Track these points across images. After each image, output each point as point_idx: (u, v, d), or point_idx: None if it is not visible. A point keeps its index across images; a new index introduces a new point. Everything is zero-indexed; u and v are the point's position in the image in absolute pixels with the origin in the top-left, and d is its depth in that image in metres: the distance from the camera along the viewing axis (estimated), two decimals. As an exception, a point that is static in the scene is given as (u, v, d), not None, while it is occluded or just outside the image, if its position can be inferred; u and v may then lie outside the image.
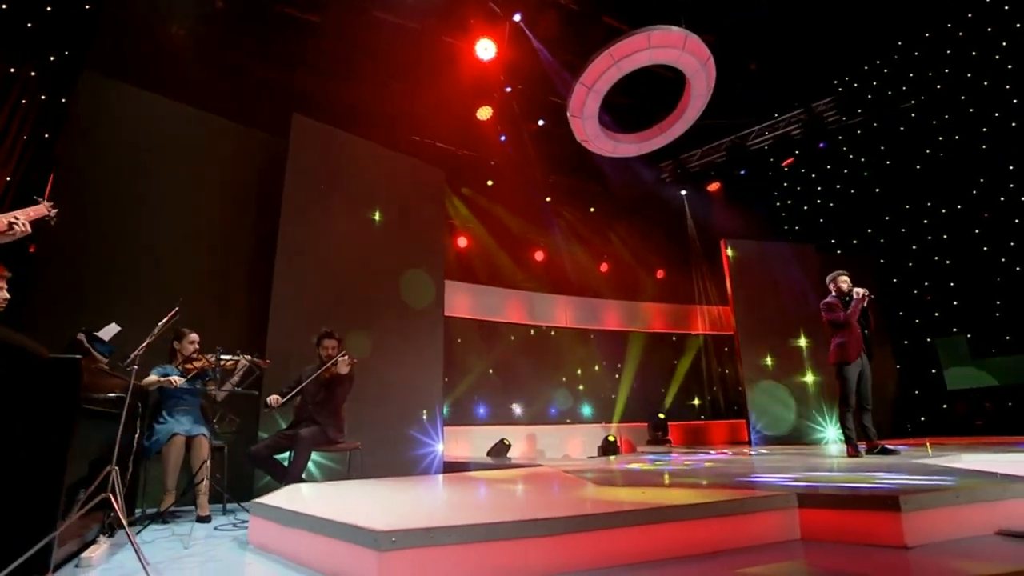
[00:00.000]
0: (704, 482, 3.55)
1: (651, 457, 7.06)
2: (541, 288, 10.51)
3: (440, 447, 6.02)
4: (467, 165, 9.64)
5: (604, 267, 11.44)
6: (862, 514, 2.58)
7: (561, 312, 10.61)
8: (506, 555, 2.15)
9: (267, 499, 2.81)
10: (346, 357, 4.13)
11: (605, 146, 7.97)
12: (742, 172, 10.59)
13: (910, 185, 9.82)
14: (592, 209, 11.32)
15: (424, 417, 6.00)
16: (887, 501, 2.52)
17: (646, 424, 10.00)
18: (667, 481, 3.66)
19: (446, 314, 9.09)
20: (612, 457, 8.38)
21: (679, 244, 11.53)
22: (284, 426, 4.42)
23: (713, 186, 11.10)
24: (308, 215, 5.39)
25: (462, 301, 9.57)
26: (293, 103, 5.72)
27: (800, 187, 11.05)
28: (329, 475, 4.78)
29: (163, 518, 3.30)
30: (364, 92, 6.44)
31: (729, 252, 8.89)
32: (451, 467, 6.10)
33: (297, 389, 4.09)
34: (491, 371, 9.56)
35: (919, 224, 9.71)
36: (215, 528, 3.18)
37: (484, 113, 8.39)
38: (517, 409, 9.67)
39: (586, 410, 10.36)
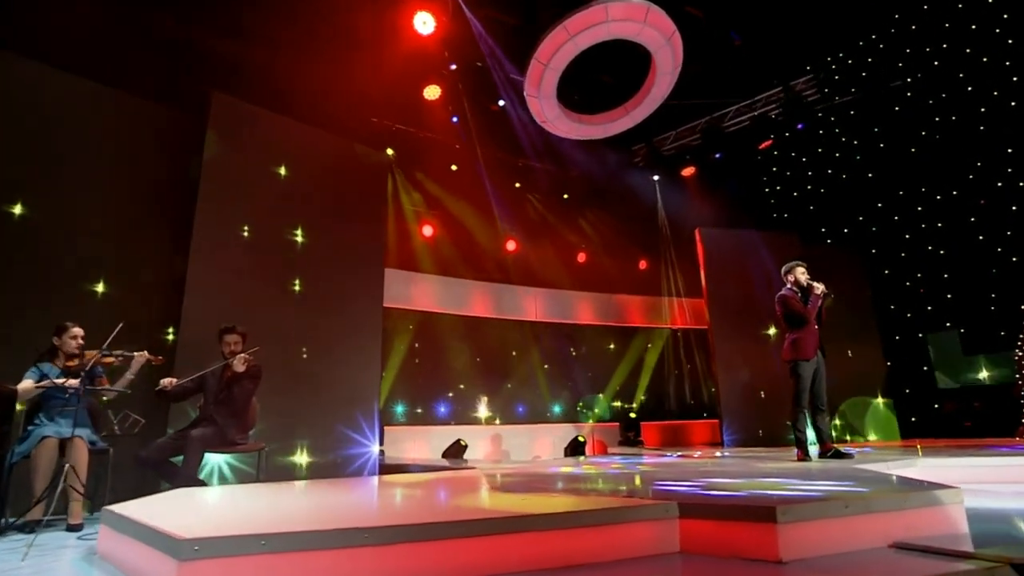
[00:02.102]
0: (597, 487, 3.52)
1: (605, 460, 7.03)
2: (510, 280, 10.47)
3: (376, 448, 6.00)
4: (427, 148, 9.57)
5: (581, 257, 11.40)
6: (739, 525, 2.53)
7: (531, 305, 10.58)
8: (325, 566, 2.12)
9: (116, 505, 2.79)
10: (243, 355, 4.10)
11: (566, 128, 7.90)
12: (717, 156, 10.47)
13: (903, 170, 9.72)
14: (566, 196, 11.26)
15: (360, 416, 5.99)
16: (763, 512, 2.47)
17: (618, 424, 9.97)
18: (561, 487, 3.63)
19: (406, 307, 9.23)
20: (582, 458, 8.42)
21: (651, 233, 11.46)
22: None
23: (688, 171, 11.05)
24: (228, 201, 5.35)
25: (424, 293, 9.54)
26: (215, 79, 5.64)
27: (784, 172, 10.98)
28: (243, 478, 4.78)
29: (30, 527, 3.28)
30: (296, 68, 6.37)
31: (704, 242, 8.82)
32: (388, 469, 6.09)
33: (191, 378, 4.07)
34: (454, 367, 9.55)
35: (912, 212, 9.62)
36: (79, 537, 3.17)
37: (432, 92, 8.31)
38: (482, 408, 9.66)
39: (557, 409, 10.35)
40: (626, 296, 11.38)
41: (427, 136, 9.58)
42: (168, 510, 2.73)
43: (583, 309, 11.04)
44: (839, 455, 5.05)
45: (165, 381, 4.01)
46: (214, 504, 3.01)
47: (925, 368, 9.39)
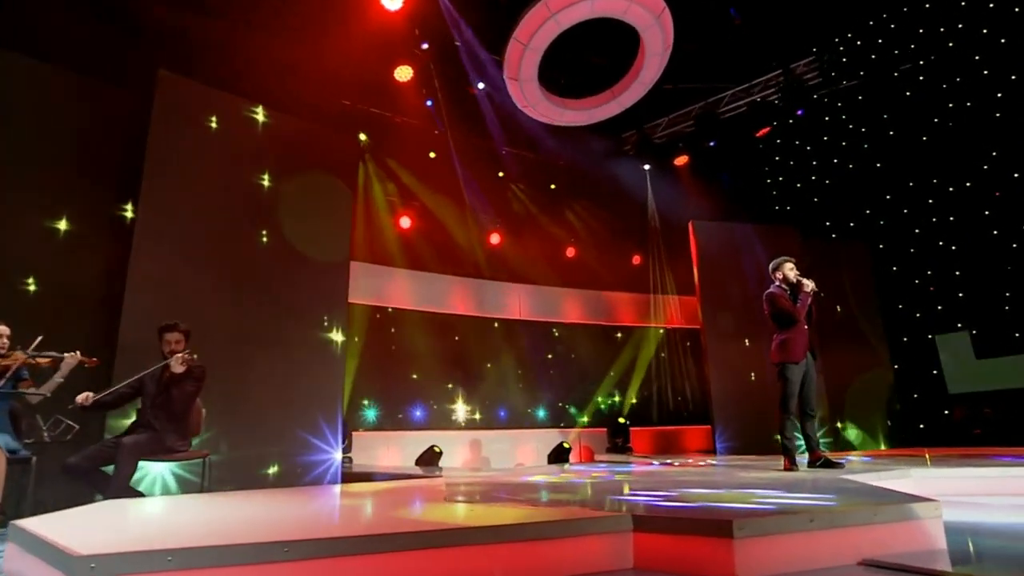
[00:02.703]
0: (558, 498, 3.51)
1: (587, 467, 7.03)
2: (493, 275, 10.45)
3: (338, 455, 5.98)
4: (402, 135, 9.53)
5: (570, 252, 11.38)
6: (694, 540, 2.51)
7: (514, 302, 10.56)
8: (236, 585, 2.10)
9: (26, 520, 2.76)
10: (181, 355, 4.06)
11: (550, 113, 7.87)
12: (711, 144, 10.45)
13: (914, 160, 9.70)
14: (552, 186, 11.22)
15: (321, 420, 5.97)
16: (718, 526, 2.45)
17: (606, 430, 9.99)
18: (521, 497, 3.62)
19: (379, 304, 9.20)
20: (566, 465, 8.42)
21: (642, 227, 11.46)
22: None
23: (680, 160, 11.00)
24: (176, 188, 5.30)
25: (399, 289, 9.51)
26: (164, 57, 5.57)
27: (784, 162, 10.97)
28: (188, 488, 4.75)
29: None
30: (254, 45, 6.31)
31: (697, 236, 8.80)
32: (353, 478, 6.07)
33: (127, 382, 4.01)
34: (431, 369, 9.53)
35: (922, 204, 9.61)
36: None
37: (403, 74, 8.26)
38: (461, 412, 9.65)
39: (541, 413, 10.35)
40: (616, 293, 11.38)
41: (402, 121, 9.52)
42: (82, 524, 2.70)
43: (570, 307, 11.02)
44: (829, 464, 5.03)
45: (81, 397, 3.87)
46: (136, 517, 2.98)
47: (935, 372, 9.36)
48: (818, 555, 2.56)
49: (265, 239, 5.83)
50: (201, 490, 4.31)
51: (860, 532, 2.67)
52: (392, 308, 9.34)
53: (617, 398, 10.95)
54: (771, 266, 5.44)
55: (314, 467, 5.73)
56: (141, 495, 4.04)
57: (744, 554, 2.39)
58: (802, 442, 5.21)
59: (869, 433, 8.93)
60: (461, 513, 3.03)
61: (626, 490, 3.85)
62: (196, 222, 5.38)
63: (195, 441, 4.51)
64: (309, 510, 3.21)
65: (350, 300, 8.56)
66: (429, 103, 9.24)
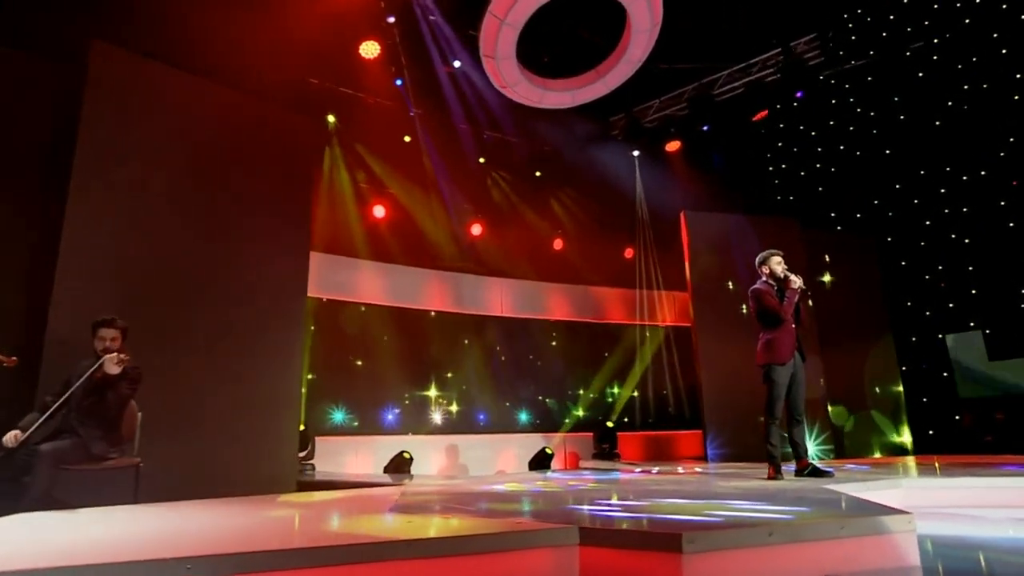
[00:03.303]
0: (512, 508, 3.48)
1: (565, 475, 7.02)
2: (473, 269, 10.44)
3: (294, 462, 5.95)
4: (374, 117, 9.47)
5: (558, 244, 11.36)
6: (641, 555, 2.49)
7: (496, 298, 10.55)
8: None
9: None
10: (117, 355, 3.99)
11: (530, 94, 7.82)
12: (705, 128, 10.42)
13: (925, 146, 9.67)
14: (538, 174, 11.19)
15: (277, 424, 5.92)
16: (666, 540, 2.42)
17: (592, 434, 10.00)
18: (474, 507, 3.59)
19: (348, 299, 9.15)
20: (549, 472, 8.42)
21: (631, 217, 11.46)
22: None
23: (672, 145, 10.98)
24: (113, 170, 5.21)
25: (370, 283, 9.48)
26: (100, 27, 5.47)
27: (784, 148, 10.94)
28: (119, 499, 4.67)
29: None
30: (203, 16, 6.23)
31: (689, 227, 8.78)
32: (310, 486, 6.04)
33: (39, 418, 3.88)
34: (405, 369, 9.51)
35: (934, 194, 9.59)
36: None
37: (369, 50, 8.17)
38: (437, 415, 9.63)
39: (524, 417, 10.35)
40: (605, 289, 11.38)
41: (375, 102, 9.48)
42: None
43: (556, 303, 11.01)
44: (817, 473, 5.01)
45: (8, 438, 3.71)
46: (40, 532, 2.94)
47: (945, 374, 9.36)
48: (776, 571, 2.53)
49: (215, 227, 5.76)
50: (134, 501, 4.27)
51: (824, 547, 2.65)
52: (362, 304, 9.30)
53: (605, 400, 10.96)
54: (758, 260, 5.44)
55: (266, 475, 5.68)
56: (65, 507, 3.98)
57: (693, 570, 2.36)
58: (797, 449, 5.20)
59: (873, 440, 8.90)
60: (395, 525, 3.00)
61: (587, 500, 3.83)
62: (136, 207, 5.31)
63: (136, 447, 4.45)
64: (235, 523, 3.17)
65: (315, 294, 8.65)
66: (399, 82, 9.18)
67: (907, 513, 2.85)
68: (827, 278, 9.44)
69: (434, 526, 2.97)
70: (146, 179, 5.41)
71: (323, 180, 9.05)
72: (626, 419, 10.86)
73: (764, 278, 5.36)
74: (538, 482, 5.91)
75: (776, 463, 5.05)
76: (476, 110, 9.84)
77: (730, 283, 8.53)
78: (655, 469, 7.18)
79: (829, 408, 8.74)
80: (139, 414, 4.50)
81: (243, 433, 5.53)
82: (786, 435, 5.22)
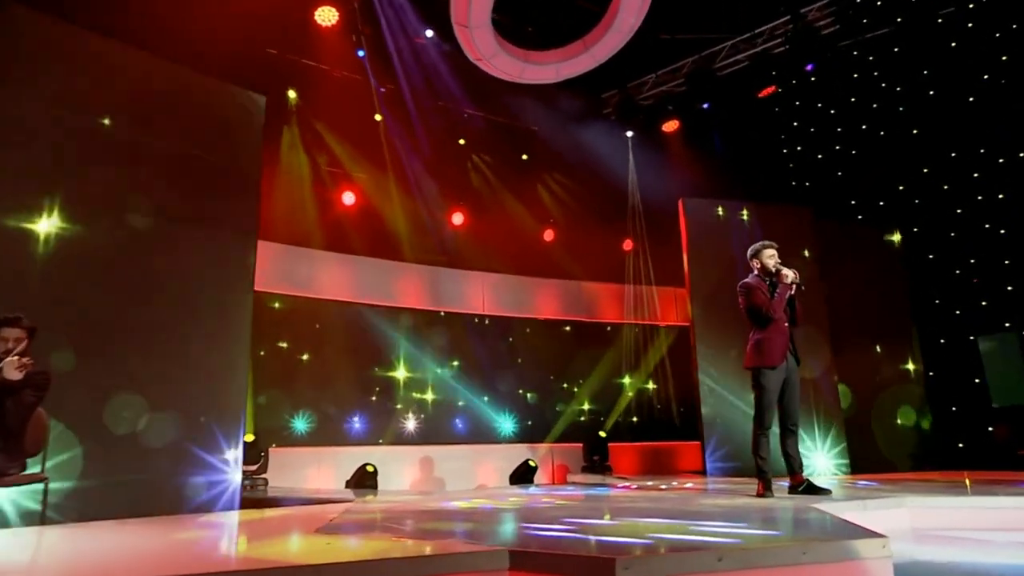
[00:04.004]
0: (453, 527, 3.45)
1: (543, 490, 7.01)
2: (452, 262, 10.42)
3: (237, 475, 5.91)
4: (338, 93, 9.44)
5: (548, 235, 11.34)
6: (573, 583, 2.47)
7: (477, 294, 10.52)
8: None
9: None
10: (17, 358, 3.94)
11: (509, 68, 7.76)
12: (705, 106, 10.35)
13: (958, 125, 9.54)
14: (525, 157, 11.15)
15: (218, 433, 5.89)
16: (599, 565, 2.39)
17: (583, 445, 10.01)
18: (415, 526, 3.58)
19: (309, 295, 9.13)
20: (531, 486, 8.41)
21: (627, 205, 11.45)
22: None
23: (670, 125, 10.91)
24: (21, 145, 5.12)
25: (335, 278, 9.45)
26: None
27: (795, 128, 10.83)
28: (29, 519, 4.64)
29: None
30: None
31: (688, 216, 8.70)
32: (254, 503, 6.01)
33: None
34: (375, 373, 9.48)
35: (966, 179, 9.47)
36: None
37: (325, 17, 8.10)
38: (411, 424, 9.61)
39: (507, 425, 10.34)
40: (599, 284, 11.37)
41: (340, 76, 9.44)
42: None
43: (544, 300, 11.00)
44: (813, 490, 4.99)
45: None
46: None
47: (976, 381, 9.25)
48: (722, 602, 2.49)
49: (146, 213, 5.70)
50: (41, 522, 4.25)
51: (783, 574, 2.61)
52: (326, 300, 9.27)
53: (601, 407, 10.96)
54: (749, 252, 5.42)
55: (204, 490, 5.63)
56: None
57: (626, 599, 2.33)
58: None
59: (894, 453, 8.85)
60: (310, 549, 2.97)
61: (544, 519, 3.80)
62: (49, 187, 5.22)
63: (49, 462, 4.41)
64: (132, 547, 3.14)
65: (272, 290, 8.66)
66: (361, 53, 9.13)
67: (882, 536, 2.82)
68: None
69: (352, 550, 2.94)
70: (64, 157, 5.32)
71: (281, 163, 8.99)
72: (621, 428, 10.83)
73: (756, 272, 5.34)
74: (511, 498, 5.89)
75: (766, 478, 5.02)
76: (455, 86, 9.77)
77: (733, 278, 8.44)
78: (635, 484, 7.19)
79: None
80: (48, 423, 4.46)
81: (174, 445, 5.47)
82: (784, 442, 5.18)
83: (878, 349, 9.28)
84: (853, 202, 10.42)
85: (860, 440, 8.77)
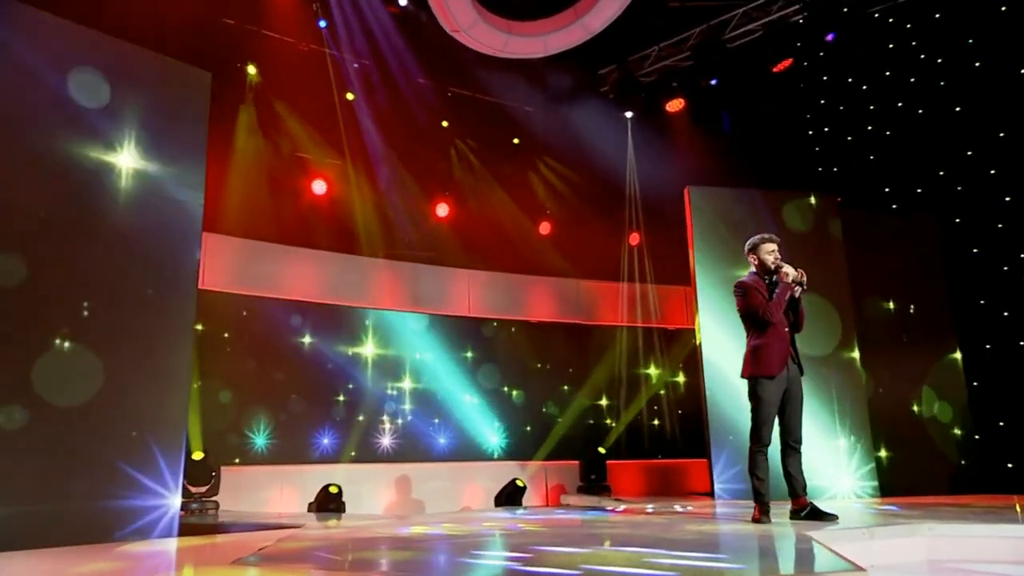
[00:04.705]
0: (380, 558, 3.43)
1: (525, 513, 6.98)
2: (434, 258, 10.42)
3: (176, 499, 5.88)
4: (305, 69, 9.44)
5: (545, 228, 11.35)
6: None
7: (462, 294, 10.52)
8: None
9: None
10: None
11: (490, 40, 7.73)
12: (714, 82, 10.31)
13: (1008, 101, 9.39)
14: (516, 140, 11.12)
15: (157, 451, 5.86)
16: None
17: (580, 463, 9.98)
18: (341, 560, 3.55)
19: (274, 295, 9.12)
20: (519, 509, 8.43)
21: (619, 193, 11.43)
22: None
23: (674, 104, 10.85)
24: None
25: (303, 275, 9.45)
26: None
27: (818, 106, 10.73)
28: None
29: None
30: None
31: (695, 206, 8.66)
32: (194, 530, 6.00)
33: None
34: (347, 384, 9.48)
35: (1017, 163, 9.32)
36: None
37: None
38: (386, 439, 9.61)
39: (496, 441, 10.35)
40: (600, 283, 11.33)
41: (307, 50, 9.43)
42: None
43: (538, 300, 10.96)
44: (817, 515, 4.96)
45: None
46: None
47: (1029, 391, 9.05)
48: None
49: (73, 199, 5.69)
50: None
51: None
52: (292, 300, 9.25)
53: (598, 420, 10.96)
54: (747, 246, 5.42)
55: (138, 516, 5.58)
56: None
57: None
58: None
59: (930, 473, 8.74)
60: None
61: (499, 547, 3.80)
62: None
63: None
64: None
65: (228, 289, 8.66)
66: (322, 24, 9.11)
67: (861, 570, 2.79)
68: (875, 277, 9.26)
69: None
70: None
71: (240, 148, 8.98)
72: (624, 444, 10.82)
73: (754, 269, 5.35)
74: (484, 523, 5.88)
75: (763, 502, 5.01)
76: (437, 61, 9.75)
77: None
78: (627, 507, 7.21)
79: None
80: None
81: (98, 463, 5.46)
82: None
83: (913, 356, 9.15)
84: (887, 189, 10.30)
85: (891, 459, 8.71)
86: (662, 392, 11.28)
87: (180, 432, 6.10)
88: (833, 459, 8.21)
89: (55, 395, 5.38)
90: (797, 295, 5.20)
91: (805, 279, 5.15)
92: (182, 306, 6.25)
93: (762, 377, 5.05)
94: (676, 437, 11.05)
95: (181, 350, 6.19)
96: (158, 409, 5.96)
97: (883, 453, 8.69)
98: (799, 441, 5.13)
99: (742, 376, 5.23)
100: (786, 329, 5.15)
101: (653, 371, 11.30)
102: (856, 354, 8.62)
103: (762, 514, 4.95)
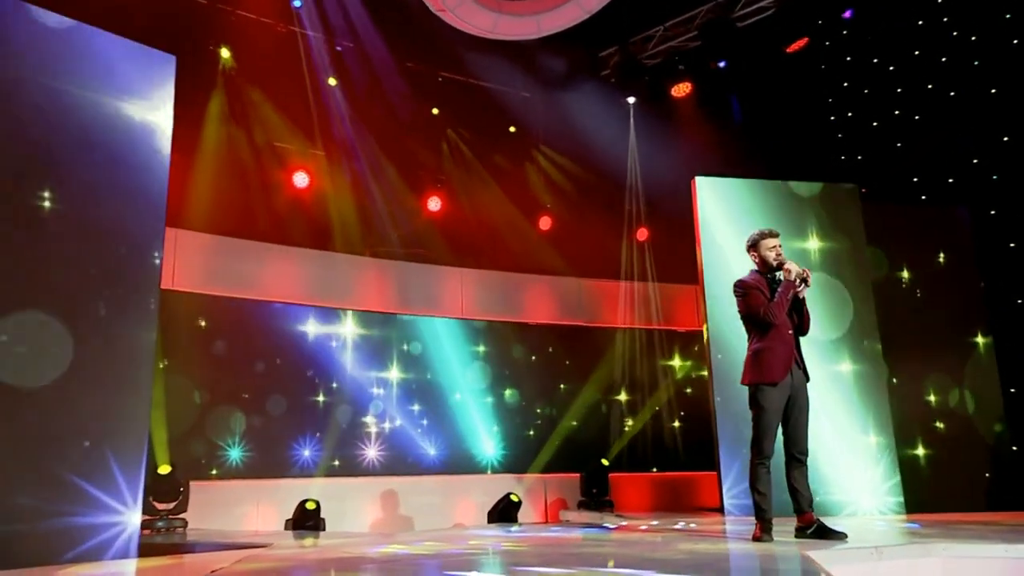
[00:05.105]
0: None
1: (517, 532, 6.99)
2: (424, 256, 10.41)
3: (135, 516, 5.85)
4: (283, 51, 9.44)
5: (544, 224, 11.34)
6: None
7: (455, 294, 10.51)
8: None
9: None
10: None
11: (477, 19, 7.70)
12: (722, 64, 10.23)
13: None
14: (512, 129, 11.15)
15: (114, 463, 5.84)
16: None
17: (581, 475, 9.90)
18: None
19: (250, 297, 9.11)
20: (513, 526, 8.50)
21: (620, 184, 11.42)
22: None
23: (680, 88, 10.83)
24: None
25: (281, 275, 9.44)
26: None
27: (837, 88, 10.68)
28: None
29: None
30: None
31: (703, 198, 8.63)
32: (157, 551, 5.99)
33: None
34: (330, 390, 9.50)
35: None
36: None
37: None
38: (371, 451, 9.60)
39: (491, 452, 10.34)
40: (603, 282, 11.32)
41: (285, 31, 9.41)
42: None
43: (536, 300, 10.96)
44: (824, 533, 4.89)
45: None
46: None
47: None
48: None
49: (25, 195, 5.69)
50: None
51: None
52: (268, 301, 9.25)
53: (609, 428, 10.96)
54: (747, 242, 5.39)
55: (89, 535, 5.54)
56: None
57: None
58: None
59: (967, 488, 8.63)
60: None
61: (466, 567, 3.75)
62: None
63: None
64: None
65: (201, 290, 8.66)
66: (297, 3, 9.10)
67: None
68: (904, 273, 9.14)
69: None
70: None
71: (212, 137, 8.98)
72: (630, 455, 10.84)
73: (755, 266, 5.31)
74: (471, 541, 5.86)
75: (764, 518, 4.95)
76: (425, 44, 9.74)
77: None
78: (627, 524, 7.21)
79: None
80: None
81: (46, 476, 5.44)
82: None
83: (944, 357, 9.09)
84: (915, 179, 10.22)
85: (919, 472, 8.63)
86: (671, 399, 11.26)
87: (140, 443, 6.07)
88: (853, 469, 8.10)
89: (10, 408, 5.38)
90: (802, 295, 5.12)
91: (810, 277, 5.07)
92: (143, 307, 6.24)
93: (764, 384, 4.99)
94: (686, 448, 11.00)
95: (141, 354, 6.16)
96: (116, 418, 5.93)
97: (910, 462, 8.56)
98: (805, 453, 5.06)
99: (742, 383, 5.18)
100: (790, 332, 5.09)
101: (661, 376, 11.30)
102: (878, 346, 8.55)
103: (763, 532, 4.89)
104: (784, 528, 5.15)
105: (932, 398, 8.97)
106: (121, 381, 6.02)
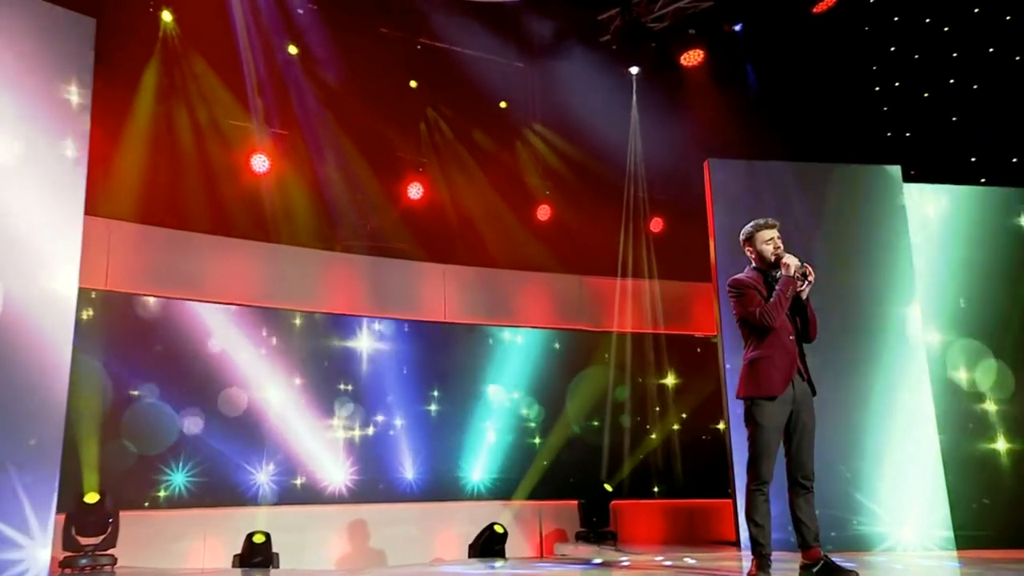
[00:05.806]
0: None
1: (508, 568, 7.11)
2: (402, 251, 10.46)
3: (45, 551, 5.82)
4: (243, 14, 9.43)
5: (543, 214, 11.37)
6: None
7: (437, 294, 10.49)
8: None
9: None
10: None
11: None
12: (737, 28, 10.11)
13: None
14: (503, 104, 11.18)
15: (19, 488, 5.81)
16: None
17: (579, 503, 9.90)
18: None
19: (197, 297, 9.10)
20: (499, 562, 8.44)
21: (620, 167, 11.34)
22: None
23: (691, 57, 10.76)
24: None
25: (236, 273, 9.44)
26: None
27: (871, 56, 10.69)
28: None
29: None
30: None
31: (717, 183, 8.59)
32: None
33: None
34: (291, 405, 9.46)
35: None
36: None
37: None
38: (340, 475, 9.60)
39: (477, 477, 10.36)
40: (607, 280, 11.31)
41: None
42: None
43: (530, 301, 10.98)
44: (831, 570, 4.81)
45: None
46: None
47: None
48: None
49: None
50: None
51: None
52: (218, 302, 9.23)
53: (612, 448, 10.96)
54: (742, 235, 5.38)
55: (-9, 570, 5.57)
56: None
57: None
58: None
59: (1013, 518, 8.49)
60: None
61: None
62: None
63: None
64: None
65: (136, 290, 8.67)
66: None
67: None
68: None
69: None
70: None
71: (152, 113, 8.97)
72: (637, 481, 10.86)
73: (753, 263, 5.29)
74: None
75: (761, 553, 4.82)
76: (401, 5, 9.73)
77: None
78: (628, 560, 7.33)
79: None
80: None
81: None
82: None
83: (1000, 372, 8.90)
84: (973, 159, 10.08)
85: (971, 502, 8.43)
86: (685, 416, 11.27)
87: (52, 466, 6.04)
88: (891, 501, 8.01)
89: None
90: (804, 294, 5.02)
91: (812, 273, 4.96)
92: (57, 308, 6.22)
93: (760, 398, 4.89)
94: (700, 472, 10.90)
95: (55, 363, 6.15)
96: (20, 438, 5.90)
97: (961, 495, 8.37)
98: (810, 478, 4.94)
99: (737, 396, 5.10)
100: (791, 338, 5.00)
101: (673, 390, 11.34)
102: (922, 367, 8.44)
103: (759, 569, 4.77)
104: (787, 565, 5.13)
105: (986, 419, 8.79)
106: (29, 395, 5.99)
